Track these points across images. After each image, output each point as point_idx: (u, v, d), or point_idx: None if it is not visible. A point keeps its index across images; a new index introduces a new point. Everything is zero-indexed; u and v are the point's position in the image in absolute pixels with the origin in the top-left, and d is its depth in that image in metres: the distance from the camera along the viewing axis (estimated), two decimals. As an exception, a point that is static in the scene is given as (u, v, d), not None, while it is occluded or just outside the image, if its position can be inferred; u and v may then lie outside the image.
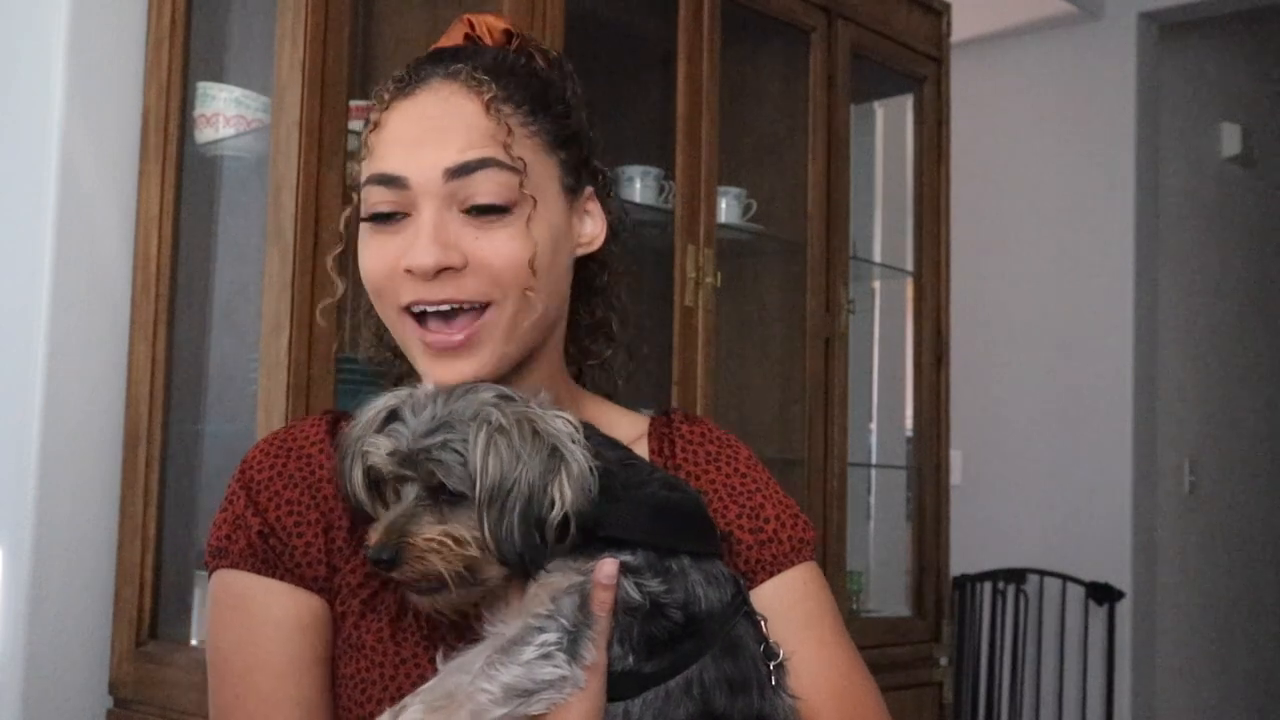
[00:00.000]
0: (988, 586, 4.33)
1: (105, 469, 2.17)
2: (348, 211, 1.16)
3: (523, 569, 0.99)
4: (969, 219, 3.89)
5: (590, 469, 1.00)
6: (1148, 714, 4.41)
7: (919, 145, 3.15)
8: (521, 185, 1.09)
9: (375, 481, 1.02)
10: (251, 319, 2.04)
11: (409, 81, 1.12)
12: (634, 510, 1.03)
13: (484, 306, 1.09)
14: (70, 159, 2.16)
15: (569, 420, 1.02)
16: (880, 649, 2.80)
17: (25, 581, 2.08)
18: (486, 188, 1.08)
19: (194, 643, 2.08)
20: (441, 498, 0.99)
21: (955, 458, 3.45)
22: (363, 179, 1.12)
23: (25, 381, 2.12)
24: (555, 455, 0.99)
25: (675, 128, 2.51)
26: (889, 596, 3.27)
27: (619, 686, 0.99)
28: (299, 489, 1.11)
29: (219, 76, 2.24)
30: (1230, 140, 4.88)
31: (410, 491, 1.00)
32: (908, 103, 3.23)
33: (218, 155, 2.24)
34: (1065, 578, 4.30)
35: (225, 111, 2.16)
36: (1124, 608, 4.28)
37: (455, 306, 1.08)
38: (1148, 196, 4.46)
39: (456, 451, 0.98)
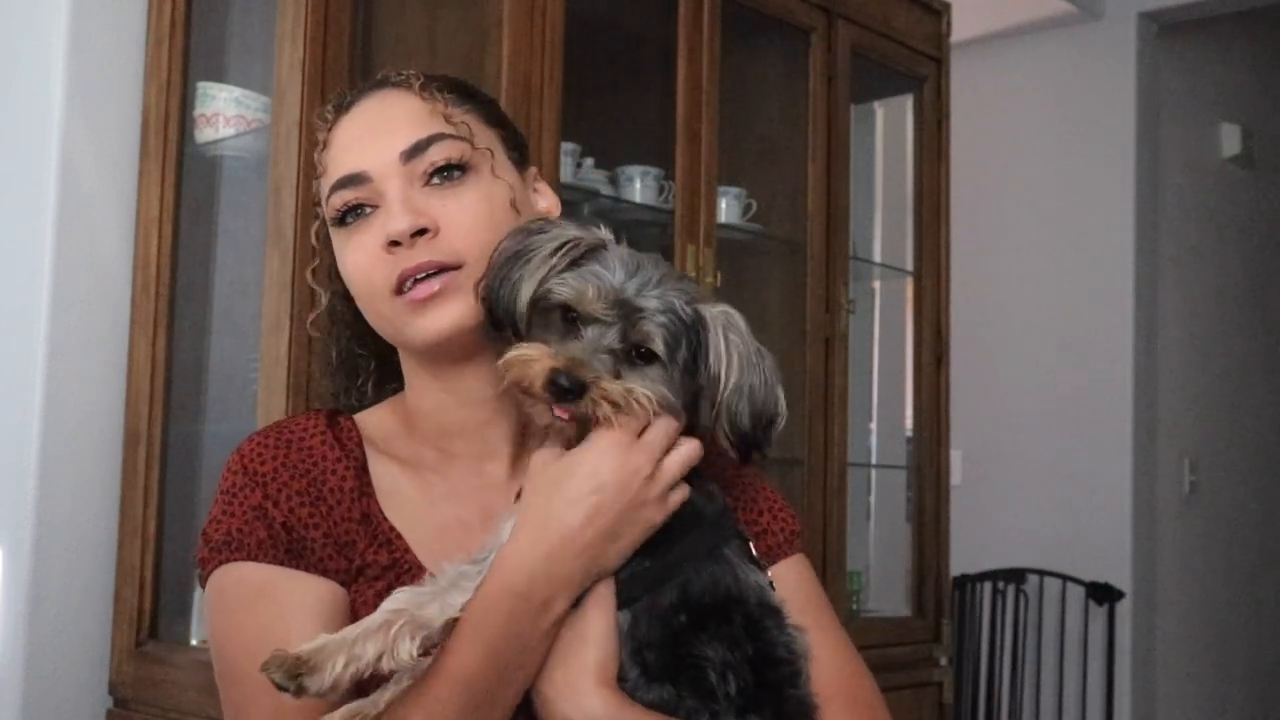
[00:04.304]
0: (988, 586, 4.33)
1: (105, 469, 2.17)
2: (317, 225, 1.21)
3: (745, 460, 1.08)
4: (969, 219, 3.89)
5: None
6: (1148, 714, 4.41)
7: (919, 145, 3.15)
8: (473, 146, 1.15)
9: (540, 306, 1.05)
10: (251, 319, 2.04)
11: (344, 99, 1.20)
12: None
13: (459, 268, 1.13)
14: (70, 159, 2.16)
15: None
16: (880, 649, 2.80)
17: (25, 581, 2.08)
18: (442, 155, 1.14)
19: (194, 643, 2.08)
20: (634, 355, 1.03)
21: (955, 458, 3.44)
22: (325, 193, 1.17)
23: (25, 381, 2.12)
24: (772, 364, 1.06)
25: (675, 128, 2.50)
26: (889, 596, 3.27)
27: None
28: (304, 481, 1.12)
29: (219, 76, 2.24)
30: (1230, 140, 4.87)
31: (601, 335, 1.02)
32: (908, 103, 3.23)
33: (218, 155, 2.24)
34: (1065, 578, 4.30)
35: (225, 111, 2.16)
36: (1124, 608, 4.28)
37: (436, 270, 1.12)
38: (1148, 197, 4.46)
39: (674, 315, 1.02)
